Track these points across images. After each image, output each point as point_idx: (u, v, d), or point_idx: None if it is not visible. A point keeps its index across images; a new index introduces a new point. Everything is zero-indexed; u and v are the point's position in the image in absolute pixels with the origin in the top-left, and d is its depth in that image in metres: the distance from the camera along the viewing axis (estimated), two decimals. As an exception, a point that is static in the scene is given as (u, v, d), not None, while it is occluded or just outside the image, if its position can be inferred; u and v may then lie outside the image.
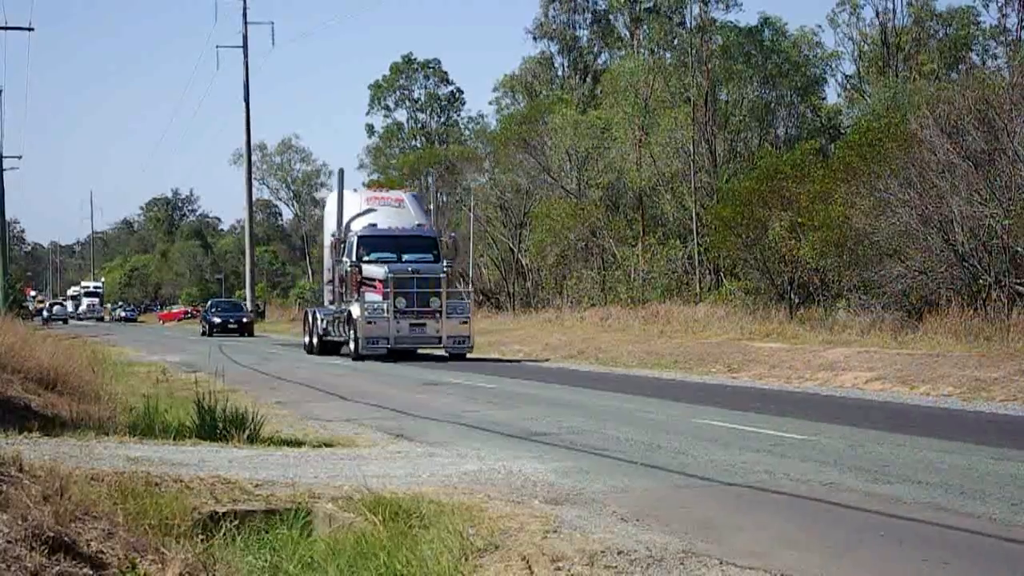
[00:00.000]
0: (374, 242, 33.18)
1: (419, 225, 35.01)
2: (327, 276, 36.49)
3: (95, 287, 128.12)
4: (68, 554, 6.18)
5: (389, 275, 31.66)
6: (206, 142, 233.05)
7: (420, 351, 33.85)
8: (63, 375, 18.23)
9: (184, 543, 7.28)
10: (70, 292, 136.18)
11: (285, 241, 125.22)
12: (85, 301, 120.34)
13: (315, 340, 35.91)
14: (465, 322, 32.48)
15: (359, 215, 34.51)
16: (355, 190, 36.79)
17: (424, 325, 32.04)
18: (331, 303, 35.48)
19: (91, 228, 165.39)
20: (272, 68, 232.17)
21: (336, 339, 34.48)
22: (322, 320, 35.44)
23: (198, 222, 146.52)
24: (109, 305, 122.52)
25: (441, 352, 33.28)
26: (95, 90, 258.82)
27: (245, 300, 67.02)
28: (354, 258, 32.82)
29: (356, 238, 33.24)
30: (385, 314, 31.63)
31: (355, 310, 32.00)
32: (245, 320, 58.63)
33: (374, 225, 33.86)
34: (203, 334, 58.48)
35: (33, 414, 13.50)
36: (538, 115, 59.34)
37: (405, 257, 32.77)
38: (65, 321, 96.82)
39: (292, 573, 7.85)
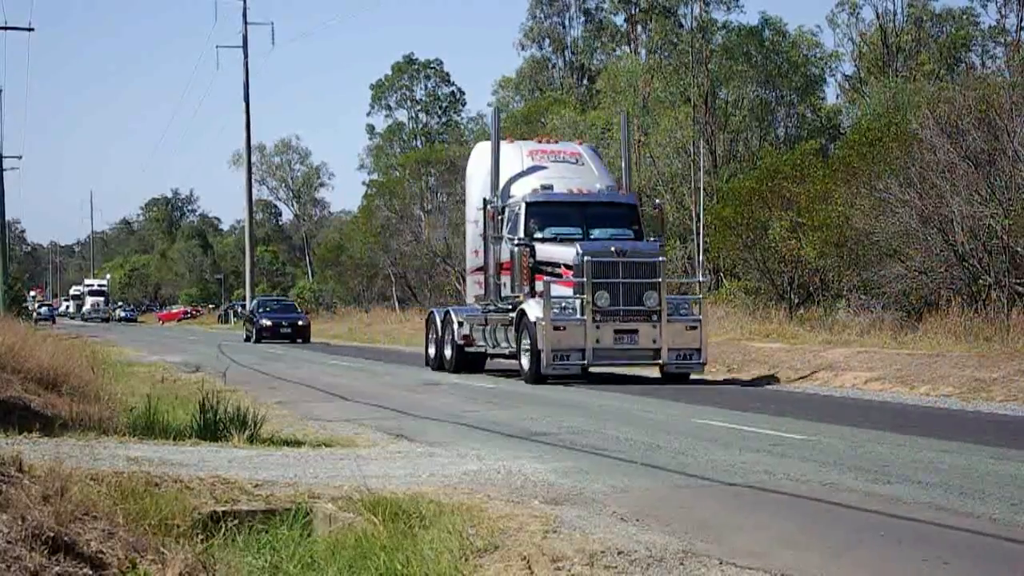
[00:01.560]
0: (550, 211, 24.12)
1: (610, 188, 25.50)
2: (471, 261, 27.17)
3: (100, 285, 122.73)
4: (68, 554, 6.18)
5: (584, 258, 22.39)
6: (206, 142, 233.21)
7: (620, 369, 24.85)
8: (63, 375, 18.23)
9: (184, 543, 7.29)
10: (72, 291, 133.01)
11: (285, 241, 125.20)
12: (89, 300, 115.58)
13: (448, 351, 26.97)
14: (694, 327, 22.98)
15: (521, 175, 25.41)
16: (510, 141, 27.01)
17: (635, 332, 22.59)
18: (479, 299, 26.02)
19: (91, 228, 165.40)
20: (272, 68, 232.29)
21: (482, 350, 25.98)
22: (463, 324, 26.45)
23: (198, 222, 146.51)
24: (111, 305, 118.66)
25: (650, 371, 24.31)
26: (95, 90, 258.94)
27: (290, 298, 59.42)
28: (522, 233, 23.69)
29: (524, 206, 23.95)
30: (579, 315, 22.29)
31: (532, 309, 22.55)
32: (301, 323, 48.77)
33: (548, 188, 24.43)
34: (248, 340, 49.25)
35: (33, 414, 13.50)
36: (536, 116, 59.35)
37: (594, 233, 23.75)
38: (52, 320, 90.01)
39: (292, 573, 7.86)
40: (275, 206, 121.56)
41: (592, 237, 23.51)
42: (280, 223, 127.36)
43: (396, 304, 68.64)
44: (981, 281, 28.01)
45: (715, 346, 29.35)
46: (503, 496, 9.52)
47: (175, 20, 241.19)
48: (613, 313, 22.47)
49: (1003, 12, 61.28)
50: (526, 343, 22.89)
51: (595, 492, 9.89)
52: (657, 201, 27.23)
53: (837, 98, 64.85)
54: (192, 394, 17.28)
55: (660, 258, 23.09)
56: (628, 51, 64.20)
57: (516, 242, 23.65)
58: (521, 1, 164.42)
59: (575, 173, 25.68)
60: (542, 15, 73.86)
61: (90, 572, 6.15)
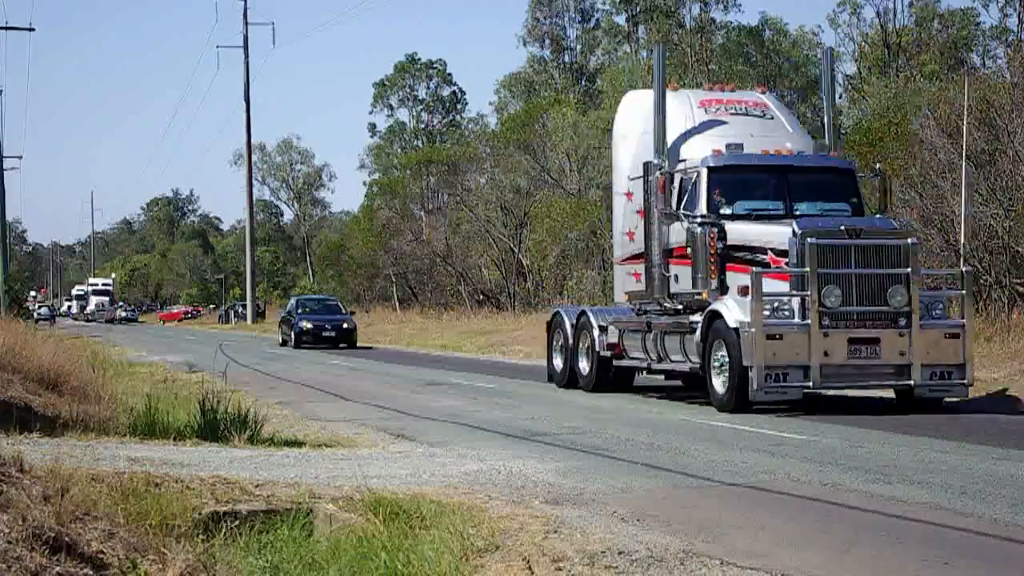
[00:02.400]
0: (741, 179, 18.30)
1: (816, 149, 19.42)
2: (622, 247, 20.70)
3: (104, 284, 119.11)
4: (69, 554, 6.19)
5: (806, 240, 16.40)
6: (206, 142, 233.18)
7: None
8: (64, 375, 18.23)
9: (185, 543, 7.29)
10: (75, 291, 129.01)
11: (286, 241, 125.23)
12: (93, 300, 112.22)
13: (584, 364, 21.03)
14: (955, 335, 17.00)
15: (692, 133, 19.07)
16: (673, 88, 20.09)
17: (875, 343, 16.63)
18: (634, 296, 20.05)
19: (91, 228, 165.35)
20: (273, 68, 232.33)
21: (637, 364, 20.03)
22: (606, 329, 20.42)
23: (199, 222, 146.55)
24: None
25: (883, 392, 18.27)
26: (95, 90, 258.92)
27: (337, 300, 51.50)
28: (703, 209, 17.69)
29: (705, 173, 17.93)
30: (798, 319, 16.44)
31: (731, 311, 16.61)
32: (347, 326, 42.21)
33: (735, 148, 18.26)
34: (284, 344, 43.49)
35: (34, 414, 13.50)
36: (536, 116, 59.35)
37: (799, 207, 17.89)
38: (52, 320, 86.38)
39: (293, 573, 7.86)
40: (276, 206, 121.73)
41: (798, 213, 17.55)
42: (281, 223, 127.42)
43: (396, 304, 68.64)
44: (982, 281, 28.00)
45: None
46: (504, 496, 9.53)
47: (175, 20, 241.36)
48: (846, 316, 16.52)
49: (1005, 12, 61.31)
50: (720, 356, 16.77)
51: (596, 492, 9.89)
52: (878, 166, 19.85)
53: (838, 98, 64.81)
54: (193, 394, 17.27)
55: (910, 240, 16.96)
56: (629, 51, 64.21)
57: (700, 220, 17.51)
58: (522, 1, 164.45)
59: (763, 129, 19.37)
60: (542, 15, 73.92)
61: (91, 572, 6.15)
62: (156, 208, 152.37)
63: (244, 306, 79.39)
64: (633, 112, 20.74)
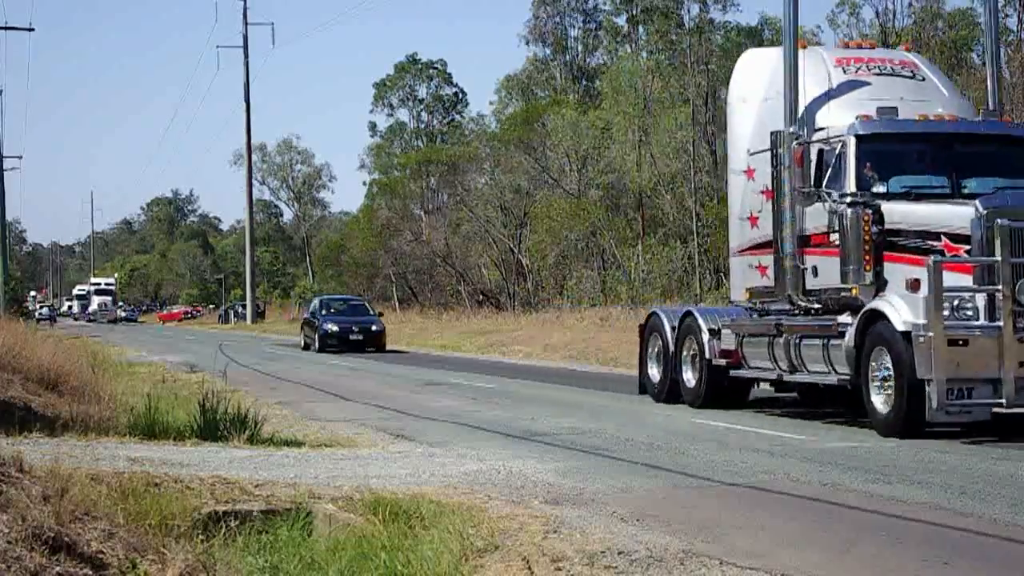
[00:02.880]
0: (896, 151, 15.33)
1: (985, 116, 16.33)
2: (741, 234, 17.37)
3: (107, 284, 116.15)
4: (68, 554, 6.18)
5: (996, 223, 13.50)
6: (206, 142, 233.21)
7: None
8: (64, 375, 18.23)
9: (184, 543, 7.29)
10: (76, 291, 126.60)
11: (285, 241, 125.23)
12: (95, 300, 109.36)
13: (690, 374, 17.82)
14: None
15: (830, 96, 16.01)
16: (802, 45, 16.62)
17: None
18: (756, 293, 16.90)
19: (91, 228, 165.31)
20: (272, 68, 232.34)
21: (760, 375, 16.92)
22: (718, 332, 17.29)
23: (199, 223, 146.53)
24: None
25: None
26: (95, 90, 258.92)
27: (364, 299, 48.85)
28: (852, 186, 14.67)
29: (853, 141, 14.88)
30: (983, 321, 13.56)
31: (898, 310, 13.74)
32: (375, 329, 38.37)
33: (888, 113, 15.25)
34: (306, 348, 39.52)
35: (34, 414, 13.50)
36: (536, 116, 59.40)
37: (968, 185, 14.96)
38: (52, 321, 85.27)
39: (292, 573, 7.86)
40: (276, 206, 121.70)
41: (967, 192, 14.74)
42: (280, 223, 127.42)
43: (396, 304, 68.68)
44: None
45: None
46: (503, 496, 9.53)
47: (175, 20, 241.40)
48: None
49: (1005, 12, 61.29)
50: (882, 367, 13.79)
51: (595, 492, 9.89)
52: None
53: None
54: (193, 394, 17.27)
55: None
56: (629, 51, 64.22)
57: (850, 200, 14.52)
58: (523, 1, 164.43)
59: (915, 92, 16.24)
60: (544, 15, 73.93)
61: (90, 572, 6.15)
62: (156, 208, 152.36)
63: (244, 306, 79.39)
64: (753, 74, 17.39)
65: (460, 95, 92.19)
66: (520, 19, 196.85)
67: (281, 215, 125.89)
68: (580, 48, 74.36)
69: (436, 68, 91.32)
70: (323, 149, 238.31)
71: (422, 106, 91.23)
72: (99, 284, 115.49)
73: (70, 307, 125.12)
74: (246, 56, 75.59)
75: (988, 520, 8.70)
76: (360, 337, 37.88)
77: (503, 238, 59.61)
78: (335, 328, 38.17)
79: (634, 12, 65.04)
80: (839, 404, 15.92)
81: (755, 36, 57.40)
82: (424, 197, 70.63)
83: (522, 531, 8.14)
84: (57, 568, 5.93)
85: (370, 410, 17.75)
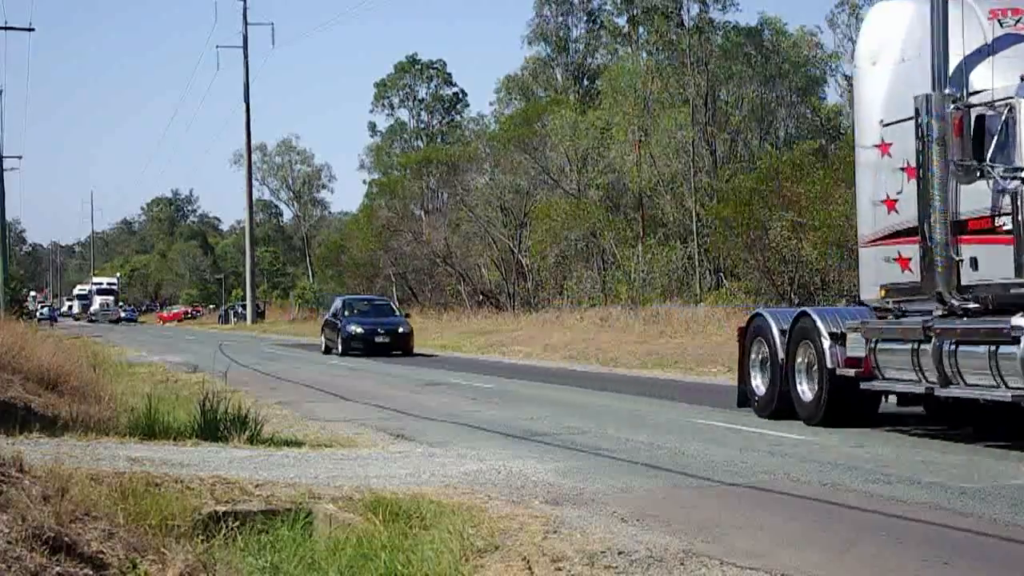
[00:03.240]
0: None
1: None
2: (872, 221, 14.98)
3: (109, 284, 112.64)
4: (68, 554, 6.18)
5: None
6: (206, 142, 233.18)
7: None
8: (64, 375, 18.23)
9: (184, 543, 7.29)
10: (77, 290, 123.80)
11: (285, 241, 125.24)
12: (98, 300, 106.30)
13: (806, 386, 15.44)
14: None
15: (985, 52, 13.53)
16: None
17: None
18: (892, 292, 14.40)
19: (91, 228, 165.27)
20: (272, 68, 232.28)
21: (898, 388, 14.29)
22: (842, 337, 14.89)
23: (199, 223, 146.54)
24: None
25: None
26: (95, 90, 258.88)
27: (390, 299, 47.90)
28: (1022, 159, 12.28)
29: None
30: None
31: None
32: (402, 331, 35.57)
33: None
34: (328, 351, 36.45)
35: (34, 414, 13.50)
36: (535, 117, 59.41)
37: None
38: (53, 321, 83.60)
39: (292, 573, 7.85)
40: (275, 206, 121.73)
41: None
42: (280, 223, 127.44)
43: (396, 304, 68.67)
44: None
45: (715, 346, 29.34)
46: (503, 496, 9.53)
47: (175, 20, 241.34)
48: None
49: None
50: None
51: (596, 492, 9.89)
52: None
53: (841, 95, 64.82)
54: (193, 394, 17.28)
55: None
56: (629, 51, 64.21)
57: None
58: (524, 1, 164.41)
59: None
60: (549, 14, 73.93)
61: (90, 572, 6.15)
62: (156, 208, 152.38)
63: (244, 306, 79.39)
64: (885, 31, 14.86)
65: (460, 95, 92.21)
66: (520, 19, 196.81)
67: (281, 215, 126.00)
68: (582, 48, 74.35)
69: (436, 68, 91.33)
70: (323, 149, 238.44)
71: (422, 106, 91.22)
72: (101, 283, 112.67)
73: (70, 307, 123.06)
74: (246, 56, 75.66)
75: (988, 520, 8.70)
76: (386, 340, 35.11)
77: (503, 238, 59.62)
78: (359, 330, 35.25)
79: (634, 13, 65.03)
80: (991, 421, 13.76)
81: (755, 36, 57.39)
82: (424, 197, 70.62)
83: (522, 531, 8.14)
84: (57, 568, 5.93)
85: (370, 410, 17.75)
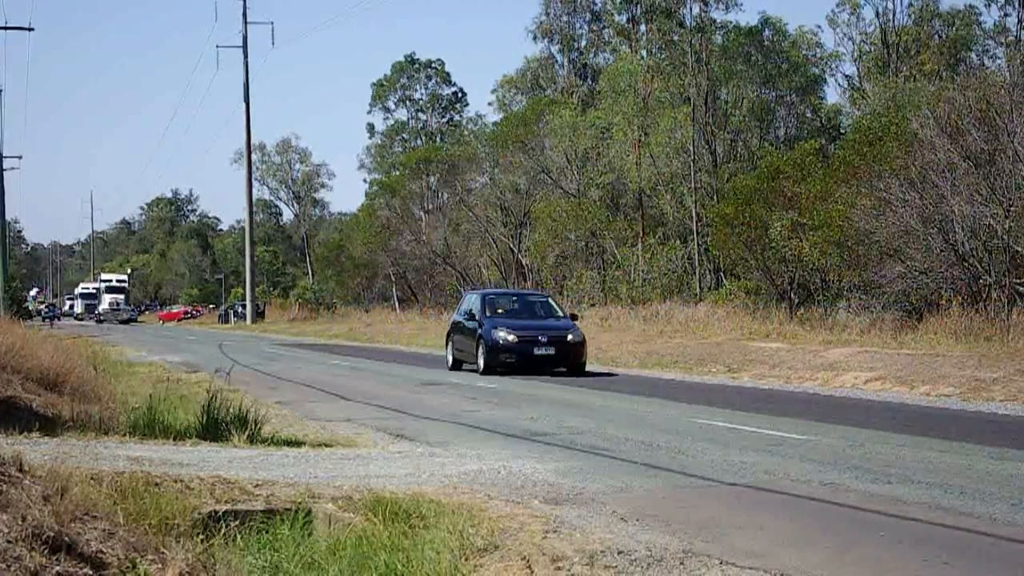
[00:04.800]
0: None
1: None
2: None
3: (119, 281, 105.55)
4: (68, 554, 6.18)
5: None
6: (206, 142, 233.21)
7: None
8: (64, 375, 18.23)
9: (184, 543, 7.29)
10: (80, 288, 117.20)
11: (285, 241, 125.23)
12: (106, 298, 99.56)
13: None
14: None
15: None
16: None
17: None
18: None
19: (91, 228, 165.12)
20: (272, 68, 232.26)
21: None
22: None
23: (198, 223, 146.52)
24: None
25: None
26: (95, 90, 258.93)
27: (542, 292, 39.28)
28: None
29: None
30: None
31: None
32: (572, 339, 26.27)
33: None
34: (455, 367, 27.98)
35: (34, 414, 13.50)
36: (535, 116, 59.42)
37: None
38: (54, 320, 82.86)
39: (292, 573, 7.86)
40: (275, 206, 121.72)
41: None
42: (280, 223, 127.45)
43: (396, 304, 68.68)
44: (981, 281, 28.01)
45: (715, 346, 29.37)
46: (503, 496, 9.53)
47: (175, 20, 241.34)
48: None
49: (1005, 11, 61.27)
50: None
51: (595, 492, 9.89)
52: None
53: (841, 95, 64.81)
54: (193, 394, 17.29)
55: None
56: (628, 51, 64.20)
57: None
58: (524, 1, 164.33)
59: None
60: (554, 12, 73.97)
61: (90, 572, 6.15)
62: (156, 208, 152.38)
63: (244, 306, 79.40)
64: None
65: (459, 94, 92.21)
66: (521, 19, 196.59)
67: (281, 215, 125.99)
68: (585, 46, 74.39)
69: (434, 68, 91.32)
70: (323, 149, 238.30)
71: (419, 106, 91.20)
72: (110, 281, 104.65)
73: (71, 306, 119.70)
74: (245, 56, 75.65)
75: (988, 520, 8.70)
76: (550, 351, 25.79)
77: (503, 238, 59.62)
78: (511, 338, 25.96)
79: (635, 12, 65.04)
80: None
81: (755, 35, 57.41)
82: (424, 197, 70.61)
83: (522, 531, 8.14)
84: (57, 568, 5.93)
85: (370, 410, 17.75)
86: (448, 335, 29.05)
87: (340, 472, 10.54)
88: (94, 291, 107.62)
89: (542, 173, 57.15)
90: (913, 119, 31.66)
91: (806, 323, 31.70)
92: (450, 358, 28.43)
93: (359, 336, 52.04)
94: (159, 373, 25.21)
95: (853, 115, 57.06)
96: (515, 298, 29.90)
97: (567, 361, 26.00)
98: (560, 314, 28.07)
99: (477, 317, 27.05)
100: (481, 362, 26.08)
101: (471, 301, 28.72)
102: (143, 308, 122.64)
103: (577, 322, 27.88)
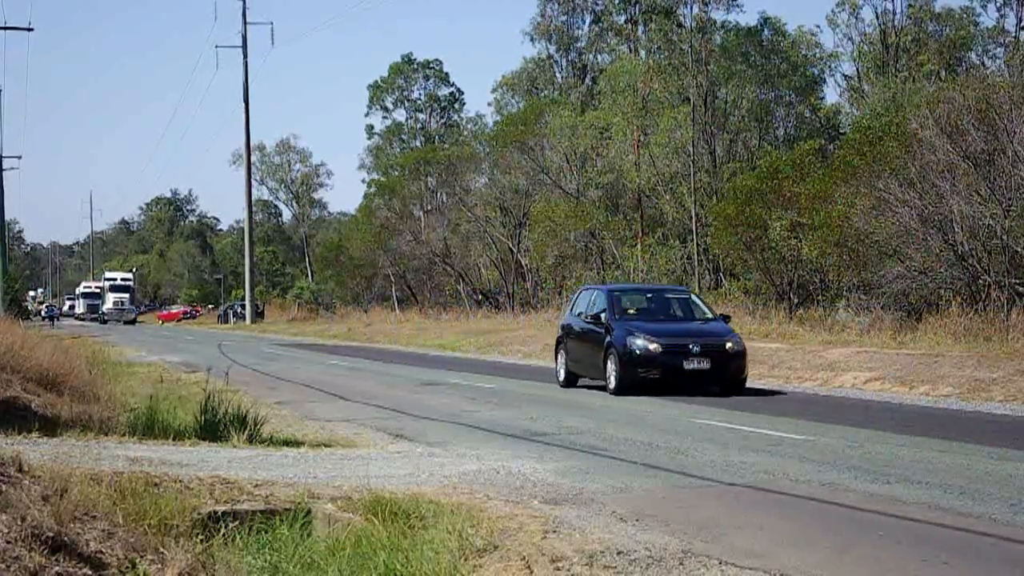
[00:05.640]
0: None
1: None
2: None
3: (124, 280, 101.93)
4: (68, 554, 6.18)
5: None
6: (205, 142, 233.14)
7: None
8: (63, 375, 18.23)
9: (184, 543, 7.29)
10: (82, 288, 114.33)
11: (284, 241, 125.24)
12: (111, 297, 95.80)
13: None
14: None
15: None
16: None
17: None
18: None
19: (91, 228, 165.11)
20: (272, 68, 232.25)
21: None
22: None
23: (198, 223, 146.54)
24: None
25: None
26: (95, 90, 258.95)
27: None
28: None
29: None
30: None
31: None
32: (731, 348, 20.59)
33: None
34: (569, 383, 22.58)
35: (33, 414, 13.50)
36: (535, 116, 59.42)
37: None
38: (55, 320, 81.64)
39: (292, 573, 7.85)
40: (275, 206, 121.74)
41: None
42: (280, 223, 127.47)
43: (396, 304, 68.66)
44: (981, 281, 28.00)
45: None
46: (503, 496, 9.53)
47: (175, 20, 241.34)
48: None
49: (1003, 12, 61.30)
50: None
51: (595, 492, 9.89)
52: None
53: (840, 95, 64.79)
54: (192, 394, 17.29)
55: None
56: (628, 51, 64.22)
57: None
58: (522, 2, 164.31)
59: None
60: (552, 12, 73.96)
61: (90, 572, 6.15)
62: (155, 208, 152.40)
63: (243, 306, 79.37)
64: None
65: (456, 94, 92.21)
66: (521, 19, 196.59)
67: (280, 215, 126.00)
68: (585, 46, 74.39)
69: (432, 68, 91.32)
70: (323, 149, 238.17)
71: (417, 106, 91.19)
72: (115, 279, 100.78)
73: (72, 306, 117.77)
74: (245, 56, 75.62)
75: (988, 520, 8.70)
76: (704, 365, 20.03)
77: (502, 238, 59.62)
78: (653, 347, 20.11)
79: (634, 12, 65.05)
80: None
81: (755, 35, 57.41)
82: (423, 197, 70.59)
83: (521, 531, 8.14)
84: (56, 568, 5.93)
85: (369, 410, 17.75)
86: (558, 342, 23.31)
87: (339, 472, 10.54)
88: (97, 290, 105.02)
89: (541, 173, 57.15)
90: (913, 119, 31.66)
91: (805, 323, 31.69)
92: (562, 372, 22.78)
93: (358, 336, 52.03)
94: (158, 373, 25.21)
95: (852, 115, 57.08)
96: (648, 294, 23.63)
97: (725, 376, 20.32)
98: (708, 314, 22.21)
99: (603, 319, 21.29)
100: (612, 378, 20.40)
101: (591, 299, 22.91)
102: (142, 308, 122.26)
103: (729, 323, 22.32)
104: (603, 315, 21.43)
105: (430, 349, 39.90)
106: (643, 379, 20.14)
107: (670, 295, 23.61)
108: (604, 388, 20.93)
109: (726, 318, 22.35)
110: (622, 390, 20.10)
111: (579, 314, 22.84)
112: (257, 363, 31.21)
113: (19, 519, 6.24)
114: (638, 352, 20.13)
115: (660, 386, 20.09)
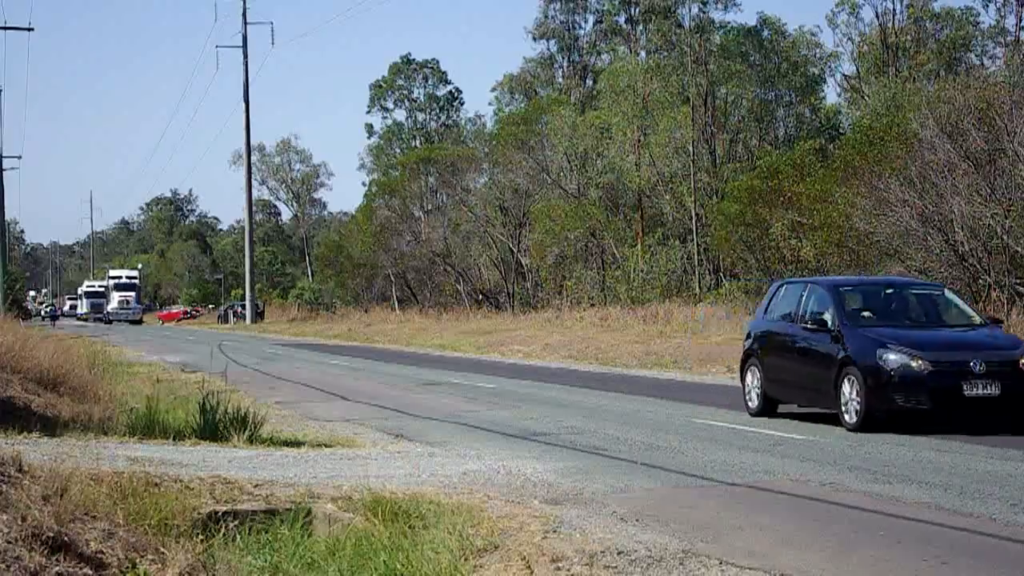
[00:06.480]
0: None
1: None
2: None
3: (129, 277, 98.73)
4: (68, 554, 6.18)
5: None
6: (206, 142, 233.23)
7: None
8: (63, 375, 18.22)
9: (184, 543, 7.28)
10: (85, 287, 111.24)
11: (284, 241, 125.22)
12: (116, 296, 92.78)
13: None
14: None
15: None
16: None
17: None
18: None
19: (91, 228, 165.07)
20: (272, 68, 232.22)
21: None
22: None
23: (198, 223, 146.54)
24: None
25: None
26: (95, 90, 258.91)
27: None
28: None
29: None
30: None
31: None
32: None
33: None
34: (767, 409, 16.43)
35: (33, 414, 13.50)
36: (536, 116, 59.40)
37: None
38: (55, 320, 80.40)
39: (292, 573, 7.85)
40: (275, 206, 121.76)
41: None
42: (280, 223, 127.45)
43: (396, 304, 68.65)
44: (981, 281, 28.00)
45: (715, 346, 29.34)
46: (503, 496, 9.52)
47: (175, 20, 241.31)
48: None
49: (1003, 12, 61.32)
50: None
51: (595, 492, 9.89)
52: None
53: (838, 97, 64.83)
54: (192, 394, 17.27)
55: None
56: (628, 51, 64.24)
57: None
58: (521, 2, 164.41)
59: None
60: (554, 12, 73.96)
61: (90, 572, 6.15)
62: (155, 208, 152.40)
63: (243, 306, 79.32)
64: None
65: (455, 93, 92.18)
66: (521, 19, 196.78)
67: (280, 215, 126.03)
68: (585, 46, 74.38)
69: (431, 67, 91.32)
70: (323, 149, 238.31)
71: (416, 106, 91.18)
72: (120, 277, 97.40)
73: (72, 307, 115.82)
74: (245, 56, 75.56)
75: (987, 520, 8.70)
76: (992, 390, 14.12)
77: (502, 238, 59.61)
78: (918, 364, 14.25)
79: (633, 13, 65.08)
80: None
81: (754, 35, 57.44)
82: (423, 197, 70.56)
83: (522, 531, 8.13)
84: (56, 568, 5.92)
85: (369, 410, 17.74)
86: (747, 356, 17.32)
87: (340, 472, 10.54)
88: (101, 289, 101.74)
89: (542, 173, 57.14)
90: (913, 119, 31.65)
91: (806, 323, 31.64)
92: (754, 396, 16.79)
93: (358, 336, 52.01)
94: (158, 373, 25.21)
95: (852, 115, 57.09)
96: (889, 290, 17.00)
97: (1021, 405, 14.37)
98: (976, 318, 16.17)
99: (830, 324, 15.39)
100: (854, 408, 14.46)
101: (801, 296, 16.63)
102: (147, 307, 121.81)
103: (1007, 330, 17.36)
104: (828, 318, 15.46)
105: (430, 349, 39.88)
106: (901, 408, 14.28)
107: (919, 291, 17.08)
108: (827, 418, 15.35)
109: (997, 322, 16.38)
110: (870, 425, 14.26)
111: (783, 316, 16.90)
112: (257, 363, 31.20)
113: (19, 519, 6.24)
114: (895, 372, 14.22)
115: (930, 418, 14.46)
